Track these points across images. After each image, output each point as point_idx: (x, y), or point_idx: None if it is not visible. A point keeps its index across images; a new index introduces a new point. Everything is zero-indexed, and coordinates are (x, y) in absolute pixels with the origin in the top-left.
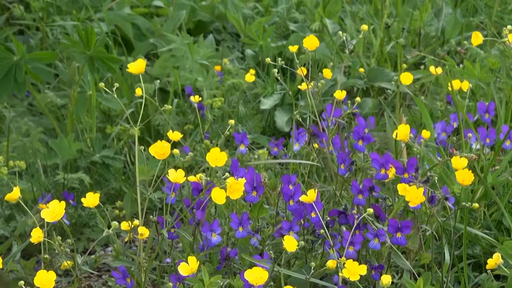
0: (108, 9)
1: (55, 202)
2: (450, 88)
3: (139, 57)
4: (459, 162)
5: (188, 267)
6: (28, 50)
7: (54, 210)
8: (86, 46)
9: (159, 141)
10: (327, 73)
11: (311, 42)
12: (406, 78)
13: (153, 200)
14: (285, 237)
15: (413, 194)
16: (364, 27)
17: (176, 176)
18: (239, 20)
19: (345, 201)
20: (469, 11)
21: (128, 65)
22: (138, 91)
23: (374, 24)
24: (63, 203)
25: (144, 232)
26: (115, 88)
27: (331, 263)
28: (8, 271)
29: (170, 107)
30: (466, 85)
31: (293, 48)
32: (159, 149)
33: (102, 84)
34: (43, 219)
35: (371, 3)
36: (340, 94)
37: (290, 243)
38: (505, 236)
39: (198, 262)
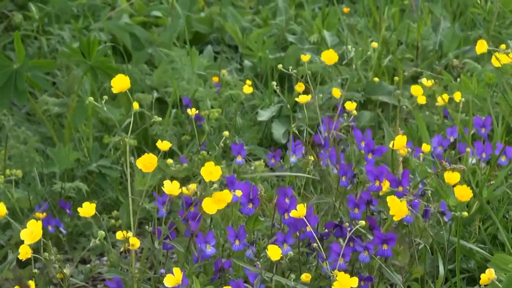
0: (107, 19)
1: (32, 222)
2: (441, 102)
3: (137, 67)
4: (452, 176)
5: (173, 278)
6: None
7: (32, 231)
8: (87, 55)
9: (146, 153)
10: (336, 92)
11: (329, 57)
12: (418, 92)
13: (149, 210)
14: (268, 246)
15: (397, 207)
16: (374, 44)
17: (171, 188)
18: (237, 31)
19: (342, 213)
20: (467, 25)
21: (112, 84)
22: (136, 106)
23: (372, 37)
24: (39, 223)
25: (135, 242)
26: (104, 101)
27: (304, 277)
28: (4, 279)
29: (160, 118)
30: (458, 96)
31: (305, 58)
32: (147, 161)
33: (91, 99)
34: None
35: (369, 16)
36: (350, 105)
37: (274, 252)
38: (499, 251)
39: (192, 273)
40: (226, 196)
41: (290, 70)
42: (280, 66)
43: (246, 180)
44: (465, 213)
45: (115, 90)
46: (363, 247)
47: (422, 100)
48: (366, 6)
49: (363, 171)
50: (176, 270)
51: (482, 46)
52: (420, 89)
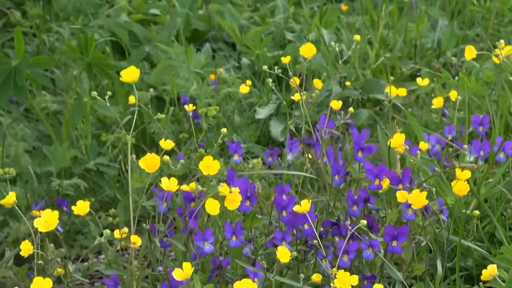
0: (105, 16)
1: (48, 211)
2: (438, 105)
3: (134, 64)
4: (462, 174)
5: (182, 272)
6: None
7: (47, 220)
8: (84, 52)
9: (148, 153)
10: (317, 83)
11: (308, 50)
12: (397, 90)
13: (147, 208)
14: (278, 247)
15: (416, 198)
16: (356, 37)
17: (169, 184)
18: (235, 29)
19: (339, 212)
20: (465, 24)
21: (121, 73)
22: (132, 99)
23: (370, 35)
24: (56, 212)
25: (136, 240)
26: (107, 96)
27: (315, 277)
28: (1, 277)
29: (163, 116)
30: (454, 95)
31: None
32: (149, 161)
33: (94, 93)
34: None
35: (367, 14)
36: (336, 104)
37: (283, 254)
38: (497, 249)
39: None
40: (237, 196)
41: (279, 70)
42: (265, 67)
43: (244, 177)
44: (477, 212)
45: (123, 79)
46: (367, 244)
47: (402, 93)
48: (364, 4)
49: (356, 169)
50: (187, 265)
51: (470, 52)
52: (404, 90)
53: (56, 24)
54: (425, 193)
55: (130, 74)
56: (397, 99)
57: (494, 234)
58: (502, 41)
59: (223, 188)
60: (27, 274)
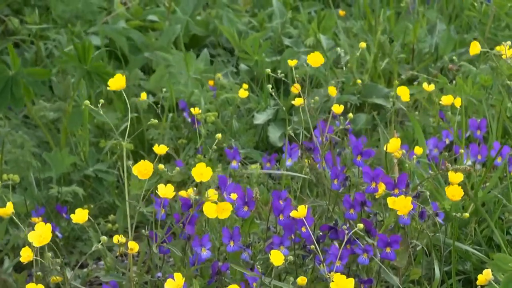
0: (103, 23)
1: (41, 224)
2: (445, 102)
3: (133, 71)
4: (455, 176)
5: (174, 283)
6: (23, 64)
7: (41, 234)
8: (82, 60)
9: (142, 158)
10: (332, 90)
11: (315, 59)
12: (403, 92)
13: (145, 214)
14: (271, 251)
15: (402, 203)
16: (362, 44)
17: (165, 191)
18: (234, 35)
19: (337, 216)
20: (463, 28)
21: (108, 82)
22: (144, 96)
23: (368, 40)
24: (49, 225)
25: (134, 246)
26: (100, 104)
27: (300, 280)
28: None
29: (157, 121)
30: (458, 102)
31: (292, 62)
32: (142, 168)
33: (87, 102)
34: None
35: (365, 19)
36: (337, 108)
37: (277, 258)
38: (495, 252)
39: (189, 276)
40: (229, 206)
41: (283, 73)
42: (268, 70)
43: (243, 183)
44: (466, 214)
45: (111, 88)
46: (362, 249)
47: (406, 98)
48: (362, 9)
49: (355, 174)
50: (177, 275)
51: (475, 48)
52: (406, 89)
53: (54, 31)
54: (410, 199)
55: (116, 82)
56: (398, 103)
57: (492, 237)
58: (509, 42)
59: (211, 195)
60: (26, 280)
